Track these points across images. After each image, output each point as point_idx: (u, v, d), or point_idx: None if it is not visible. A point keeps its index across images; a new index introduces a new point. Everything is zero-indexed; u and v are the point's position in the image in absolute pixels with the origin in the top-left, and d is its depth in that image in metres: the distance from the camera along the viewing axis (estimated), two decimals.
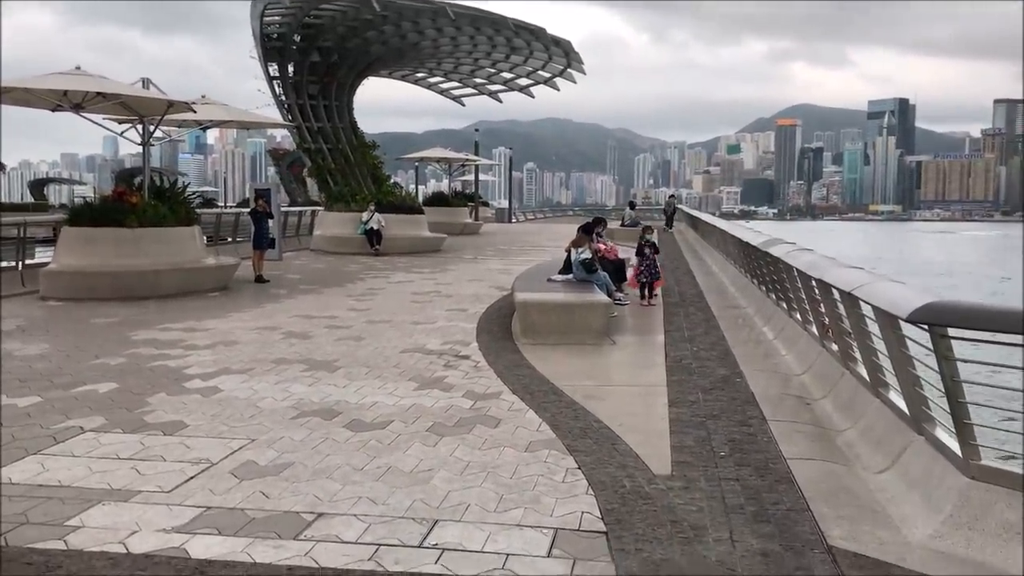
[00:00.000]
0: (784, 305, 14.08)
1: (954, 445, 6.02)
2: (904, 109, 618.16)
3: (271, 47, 38.16)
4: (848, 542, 5.58)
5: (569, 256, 17.63)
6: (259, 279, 22.65)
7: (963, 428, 5.84)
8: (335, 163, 39.28)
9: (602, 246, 19.53)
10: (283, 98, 38.75)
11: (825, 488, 6.68)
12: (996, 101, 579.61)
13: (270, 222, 24.79)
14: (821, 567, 5.17)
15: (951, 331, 5.83)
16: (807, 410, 9.37)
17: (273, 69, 38.65)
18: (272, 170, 60.80)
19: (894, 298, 6.64)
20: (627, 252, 20.44)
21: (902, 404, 7.14)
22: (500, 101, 51.98)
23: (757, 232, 19.33)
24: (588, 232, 18.32)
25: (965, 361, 5.94)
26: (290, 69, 38.78)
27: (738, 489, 6.58)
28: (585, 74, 45.57)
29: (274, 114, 38.26)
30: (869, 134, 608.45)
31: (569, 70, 45.55)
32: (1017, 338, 5.36)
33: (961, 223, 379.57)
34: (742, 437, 8.11)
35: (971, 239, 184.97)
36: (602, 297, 14.93)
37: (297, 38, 38.45)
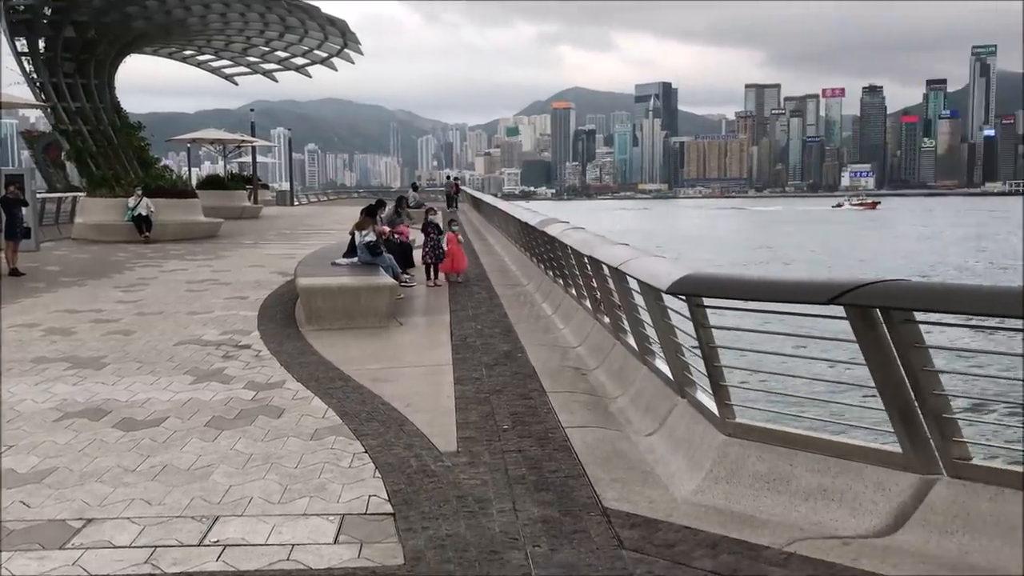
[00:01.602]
0: (561, 282, 14.66)
1: (712, 406, 6.54)
2: (668, 93, 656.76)
3: (18, 20, 34.85)
4: (621, 503, 5.94)
5: (353, 239, 17.46)
6: (13, 272, 20.81)
7: (719, 390, 6.35)
8: (96, 145, 36.55)
9: (387, 229, 19.48)
10: (35, 76, 35.54)
11: (600, 453, 7.06)
12: (747, 86, 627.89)
13: (24, 210, 22.77)
14: (597, 528, 5.47)
15: (706, 300, 6.32)
16: (583, 380, 9.83)
17: (21, 44, 35.31)
18: (26, 154, 55.56)
19: (655, 272, 7.10)
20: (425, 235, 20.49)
21: (667, 370, 7.66)
22: (276, 81, 50.37)
23: (535, 212, 19.97)
24: (371, 214, 18.21)
25: (719, 328, 6.45)
26: (41, 45, 35.61)
27: (520, 460, 6.83)
28: (363, 54, 45.05)
29: (25, 93, 35.04)
30: (637, 116, 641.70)
31: (346, 50, 44.83)
32: (765, 305, 5.90)
33: (720, 199, 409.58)
34: (524, 410, 8.40)
35: (741, 213, 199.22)
36: (388, 279, 14.91)
37: (47, 11, 35.34)
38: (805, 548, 5.12)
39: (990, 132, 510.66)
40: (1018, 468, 5.52)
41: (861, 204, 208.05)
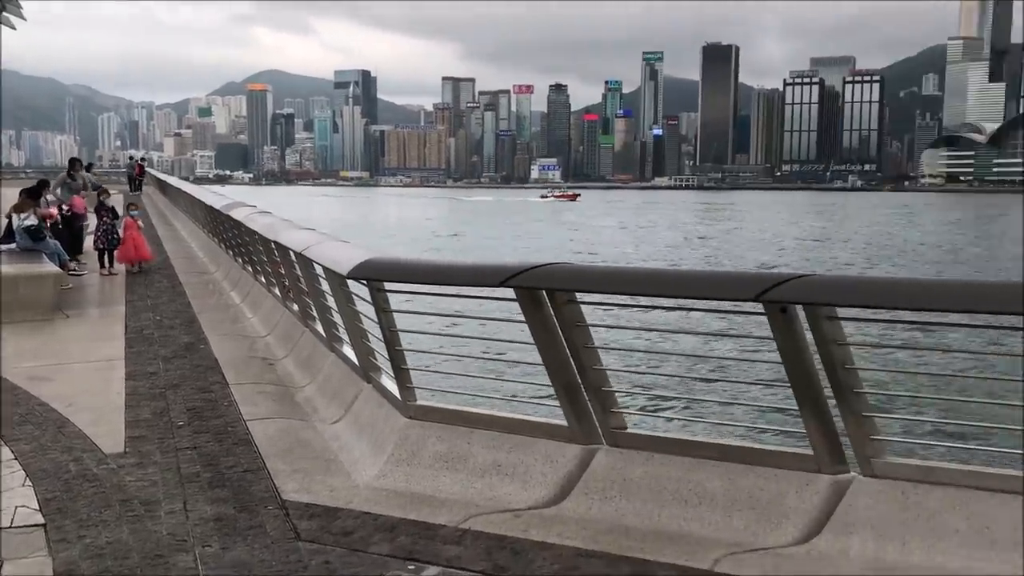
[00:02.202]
0: (250, 269, 14.11)
1: (395, 389, 6.58)
2: (367, 80, 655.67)
3: None
4: (301, 494, 5.80)
5: (11, 223, 15.67)
6: None
7: (401, 373, 6.40)
8: None
9: (53, 212, 17.66)
10: None
11: (283, 445, 6.86)
12: (444, 78, 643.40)
13: None
14: (273, 522, 5.30)
15: (387, 285, 6.33)
16: (271, 370, 9.53)
17: None
18: None
19: (337, 257, 7.01)
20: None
21: (354, 356, 7.61)
22: None
23: (222, 196, 19.07)
24: (34, 196, 16.44)
25: (401, 312, 6.49)
26: None
27: (195, 458, 6.47)
28: (25, 19, 40.41)
29: None
30: (337, 103, 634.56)
31: (5, 14, 40.03)
32: (443, 288, 6.01)
33: (421, 188, 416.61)
34: (203, 404, 7.97)
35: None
36: (52, 267, 13.54)
37: None
38: (480, 523, 5.29)
39: (658, 132, 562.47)
40: (664, 434, 6.05)
41: (563, 195, 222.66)
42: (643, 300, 6.12)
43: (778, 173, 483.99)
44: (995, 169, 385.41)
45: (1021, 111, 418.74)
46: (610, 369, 5.69)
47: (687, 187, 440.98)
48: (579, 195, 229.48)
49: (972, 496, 4.89)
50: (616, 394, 5.74)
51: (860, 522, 4.99)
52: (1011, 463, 6.14)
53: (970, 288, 5.19)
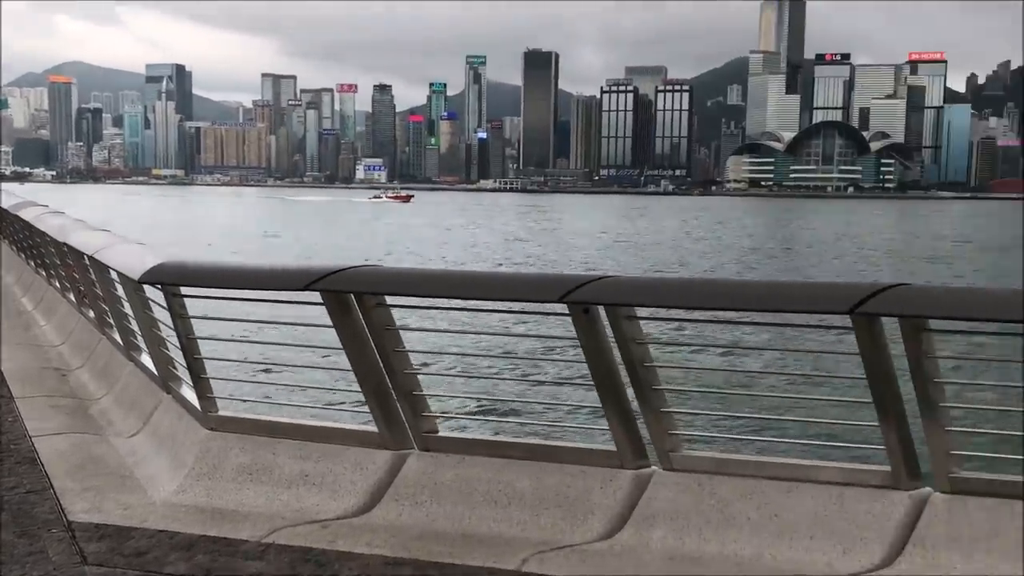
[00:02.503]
0: (43, 273, 13.13)
1: (195, 400, 6.26)
2: (182, 75, 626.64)
3: None
4: (92, 514, 5.42)
5: None
6: None
7: (200, 383, 6.09)
8: None
9: None
10: None
11: (73, 461, 6.40)
12: (264, 75, 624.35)
13: None
14: (58, 546, 4.92)
15: (184, 290, 6.00)
16: (63, 382, 8.90)
17: None
18: None
19: (130, 261, 6.61)
20: None
21: (152, 365, 7.19)
22: None
23: (11, 195, 17.64)
24: None
25: (199, 318, 6.17)
26: None
27: None
28: None
29: None
30: (148, 98, 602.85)
31: None
32: (246, 293, 5.76)
33: (241, 187, 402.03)
34: None
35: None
36: None
37: None
38: (284, 536, 5.11)
39: (483, 135, 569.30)
40: (479, 436, 6.06)
41: (396, 197, 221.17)
42: (453, 302, 6.12)
43: (596, 177, 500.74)
44: (792, 175, 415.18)
45: (813, 121, 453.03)
46: (420, 372, 5.65)
47: (511, 190, 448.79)
48: (412, 196, 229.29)
49: (763, 486, 5.18)
50: (427, 398, 5.69)
51: (660, 515, 5.18)
52: (800, 453, 6.58)
53: (762, 288, 5.51)
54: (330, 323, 5.50)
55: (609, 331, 5.17)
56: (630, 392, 5.31)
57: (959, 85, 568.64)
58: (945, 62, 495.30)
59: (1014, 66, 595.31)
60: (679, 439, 5.37)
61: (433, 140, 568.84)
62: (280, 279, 5.67)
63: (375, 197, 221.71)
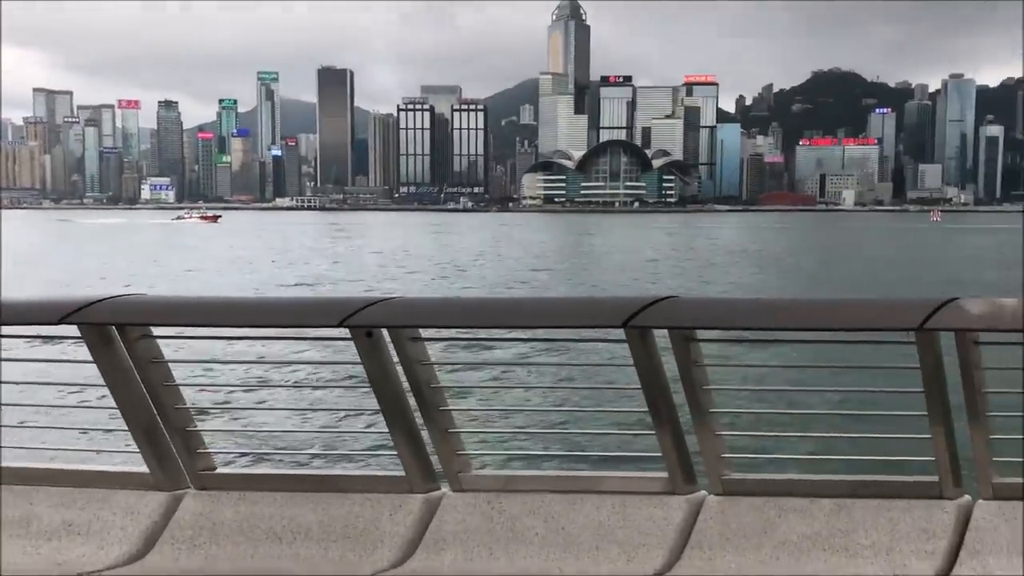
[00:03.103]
0: None
1: None
2: None
3: None
4: None
5: None
6: None
7: None
8: None
9: None
10: None
11: None
12: (36, 90, 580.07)
13: None
14: None
15: None
16: None
17: None
18: None
19: None
20: None
21: None
22: None
23: None
24: None
25: None
26: None
27: None
28: None
29: None
30: None
31: None
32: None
33: (12, 210, 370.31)
34: None
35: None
36: None
37: None
38: None
39: (277, 152, 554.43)
40: (260, 470, 5.79)
41: (203, 217, 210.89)
42: (233, 331, 5.81)
43: (397, 195, 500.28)
44: (583, 191, 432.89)
45: (600, 140, 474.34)
46: (195, 407, 5.33)
47: (310, 208, 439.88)
48: (220, 216, 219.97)
49: (549, 500, 5.26)
50: (202, 434, 5.38)
51: (451, 537, 5.16)
52: (585, 465, 6.73)
53: (542, 304, 5.61)
54: (90, 358, 5.09)
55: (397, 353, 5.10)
56: (419, 415, 5.26)
57: (729, 106, 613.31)
58: (717, 85, 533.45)
59: (776, 89, 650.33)
60: (468, 460, 5.37)
61: (224, 158, 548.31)
62: (29, 313, 5.18)
63: (178, 218, 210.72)
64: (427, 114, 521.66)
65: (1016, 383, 4.83)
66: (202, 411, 5.47)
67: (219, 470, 5.41)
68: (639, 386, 5.18)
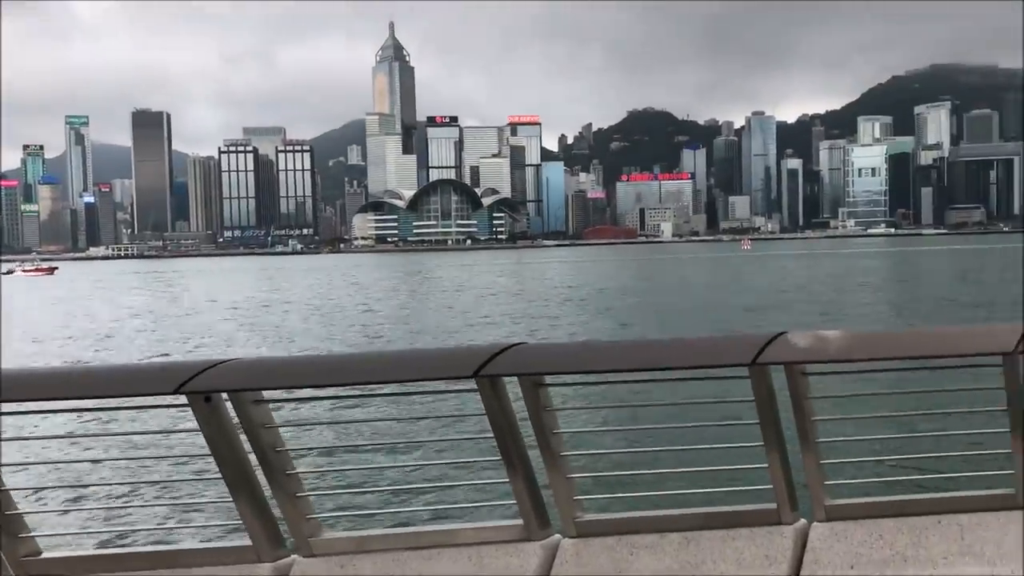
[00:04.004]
0: None
1: None
2: None
3: None
4: None
5: None
6: None
7: None
8: None
9: None
10: None
11: None
12: None
13: None
14: None
15: None
16: None
17: None
18: None
19: None
20: None
21: None
22: None
23: None
24: None
25: None
26: None
27: None
28: None
29: None
30: None
31: None
32: None
33: None
34: None
35: None
36: None
37: None
38: None
39: (90, 199, 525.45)
40: (90, 552, 5.37)
41: (36, 270, 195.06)
42: (54, 404, 5.38)
43: (220, 239, 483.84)
44: (415, 230, 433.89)
45: (430, 179, 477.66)
46: (14, 489, 4.89)
47: (127, 256, 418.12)
48: (56, 268, 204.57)
49: (404, 557, 5.15)
50: (23, 516, 4.94)
51: None
52: (443, 518, 6.63)
53: (388, 359, 5.51)
54: None
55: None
56: (265, 480, 5.05)
57: (552, 145, 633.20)
58: (540, 124, 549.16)
59: (595, 128, 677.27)
60: (318, 523, 5.19)
61: (31, 206, 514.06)
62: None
63: (8, 272, 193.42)
64: (250, 156, 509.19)
65: (842, 410, 5.17)
66: (25, 492, 4.97)
67: (45, 555, 4.97)
68: (491, 435, 5.18)
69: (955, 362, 5.34)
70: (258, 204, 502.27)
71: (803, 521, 5.48)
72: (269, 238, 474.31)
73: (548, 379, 5.29)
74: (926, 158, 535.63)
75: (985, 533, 5.32)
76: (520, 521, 5.34)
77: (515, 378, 5.10)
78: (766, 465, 5.34)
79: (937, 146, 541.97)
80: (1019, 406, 5.25)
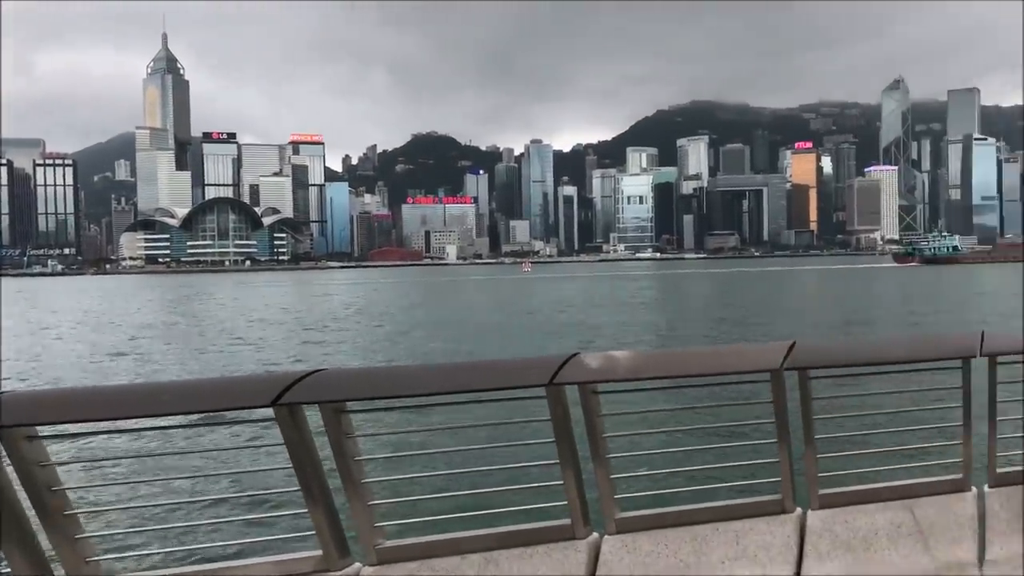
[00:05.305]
0: None
1: None
2: None
3: None
4: None
5: None
6: None
7: None
8: None
9: None
10: None
11: None
12: None
13: None
14: None
15: None
16: None
17: None
18: None
19: None
20: None
21: None
22: None
23: None
24: None
25: None
26: None
27: None
28: None
29: None
30: None
31: None
32: None
33: None
34: None
35: None
36: None
37: None
38: None
39: None
40: None
41: None
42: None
43: None
44: (190, 250, 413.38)
45: (206, 197, 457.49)
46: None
47: None
48: None
49: None
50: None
51: None
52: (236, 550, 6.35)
53: (191, 387, 5.29)
54: None
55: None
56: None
57: (336, 165, 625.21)
58: (323, 144, 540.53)
59: (380, 150, 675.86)
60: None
61: None
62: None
63: None
64: (4, 169, 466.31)
65: (631, 426, 5.46)
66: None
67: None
68: (290, 466, 5.04)
69: (731, 379, 5.78)
70: (12, 221, 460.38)
71: (595, 535, 5.73)
72: (25, 258, 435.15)
73: (350, 405, 5.24)
74: (687, 187, 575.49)
75: (758, 537, 5.78)
76: (319, 552, 5.23)
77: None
78: (562, 482, 5.55)
79: (697, 176, 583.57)
80: (784, 418, 5.77)
